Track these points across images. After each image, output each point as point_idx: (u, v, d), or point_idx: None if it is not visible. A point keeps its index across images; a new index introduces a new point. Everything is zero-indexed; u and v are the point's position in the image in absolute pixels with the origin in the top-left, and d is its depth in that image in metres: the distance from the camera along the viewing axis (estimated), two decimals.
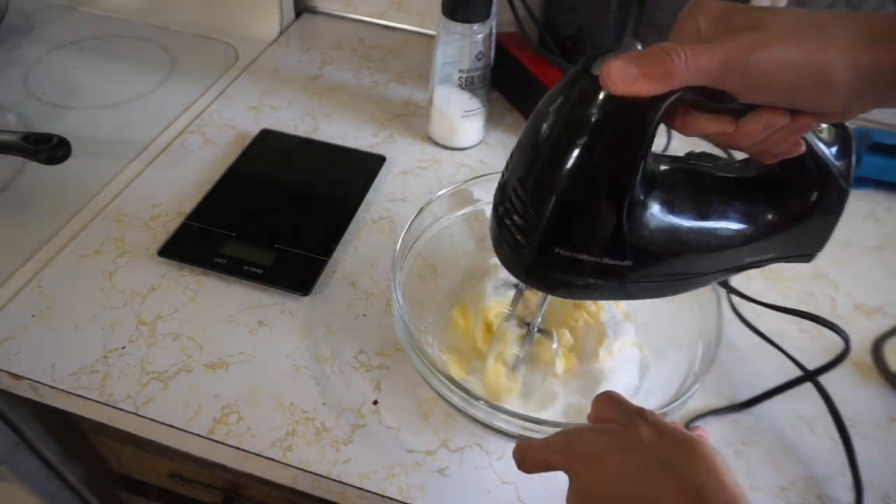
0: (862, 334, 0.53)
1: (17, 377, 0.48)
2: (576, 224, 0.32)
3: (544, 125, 0.32)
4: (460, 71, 0.64)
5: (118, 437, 0.60)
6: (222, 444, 0.45)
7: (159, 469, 0.65)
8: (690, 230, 0.34)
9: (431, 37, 0.69)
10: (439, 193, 0.51)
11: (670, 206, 0.33)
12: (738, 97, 0.29)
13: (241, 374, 0.48)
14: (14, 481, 0.63)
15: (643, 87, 0.28)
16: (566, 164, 0.31)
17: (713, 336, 0.44)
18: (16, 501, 0.66)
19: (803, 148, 0.32)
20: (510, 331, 0.45)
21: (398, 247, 0.47)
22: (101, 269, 0.55)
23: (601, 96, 0.29)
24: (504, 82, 0.75)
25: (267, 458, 0.44)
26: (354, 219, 0.60)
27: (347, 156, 0.67)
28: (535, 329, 0.44)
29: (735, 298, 0.54)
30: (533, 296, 0.46)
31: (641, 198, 0.32)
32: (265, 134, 0.69)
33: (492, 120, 0.72)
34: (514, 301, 0.47)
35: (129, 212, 0.60)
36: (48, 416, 0.61)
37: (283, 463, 0.44)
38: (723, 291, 0.51)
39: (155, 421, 0.46)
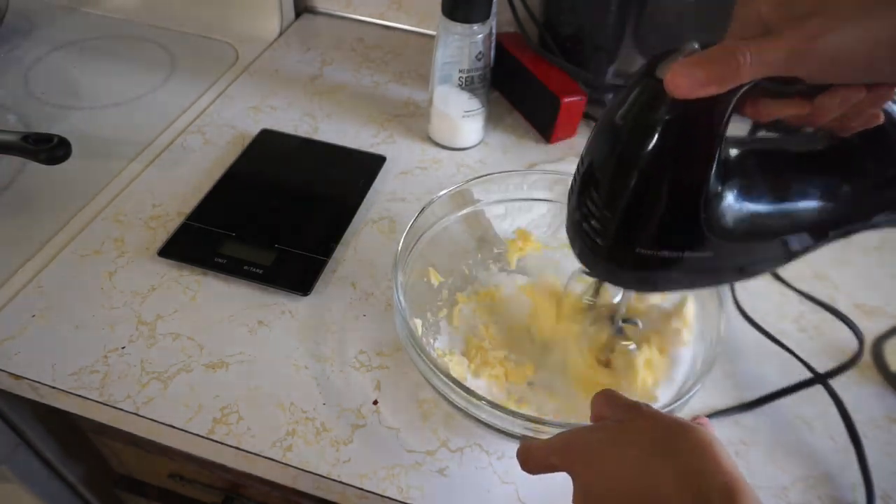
0: (861, 333, 0.53)
1: (17, 377, 0.48)
2: (654, 224, 0.33)
3: (615, 131, 0.32)
4: (460, 71, 0.64)
5: (118, 437, 0.60)
6: (222, 444, 0.45)
7: (159, 469, 0.65)
8: (770, 214, 0.34)
9: (431, 37, 0.69)
10: (441, 193, 0.51)
11: (747, 193, 0.33)
12: (811, 82, 0.28)
13: (241, 374, 0.48)
14: (14, 481, 0.63)
15: (710, 90, 0.28)
16: (641, 168, 0.31)
17: (714, 335, 0.44)
18: (16, 501, 0.66)
19: (882, 119, 0.31)
20: (598, 323, 0.46)
21: (399, 247, 0.47)
22: (102, 269, 0.55)
23: (668, 99, 0.29)
24: (504, 82, 0.75)
25: (267, 458, 0.44)
26: (354, 219, 0.60)
27: (347, 156, 0.67)
28: (620, 323, 0.45)
29: (738, 295, 0.54)
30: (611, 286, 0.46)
31: (718, 189, 0.32)
32: (265, 134, 0.69)
33: (492, 120, 0.72)
34: (594, 291, 0.47)
35: (129, 212, 0.60)
36: (48, 416, 0.61)
37: (283, 463, 0.44)
38: (726, 288, 0.51)
39: (155, 421, 0.46)
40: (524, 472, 0.35)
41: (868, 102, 0.30)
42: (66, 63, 0.78)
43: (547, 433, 0.38)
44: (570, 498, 0.32)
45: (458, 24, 0.61)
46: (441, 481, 0.44)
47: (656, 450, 0.30)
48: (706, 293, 0.46)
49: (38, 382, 0.47)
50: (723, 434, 0.47)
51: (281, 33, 0.85)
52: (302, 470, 0.44)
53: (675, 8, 0.69)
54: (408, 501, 0.42)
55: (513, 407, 0.41)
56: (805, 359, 0.50)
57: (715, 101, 0.29)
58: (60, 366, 0.48)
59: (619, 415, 0.33)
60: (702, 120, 0.30)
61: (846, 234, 0.37)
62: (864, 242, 0.62)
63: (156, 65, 0.79)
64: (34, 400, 0.50)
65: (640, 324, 0.47)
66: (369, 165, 0.66)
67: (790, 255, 0.37)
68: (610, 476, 0.30)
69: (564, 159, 0.69)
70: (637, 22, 0.72)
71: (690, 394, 0.40)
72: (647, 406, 0.33)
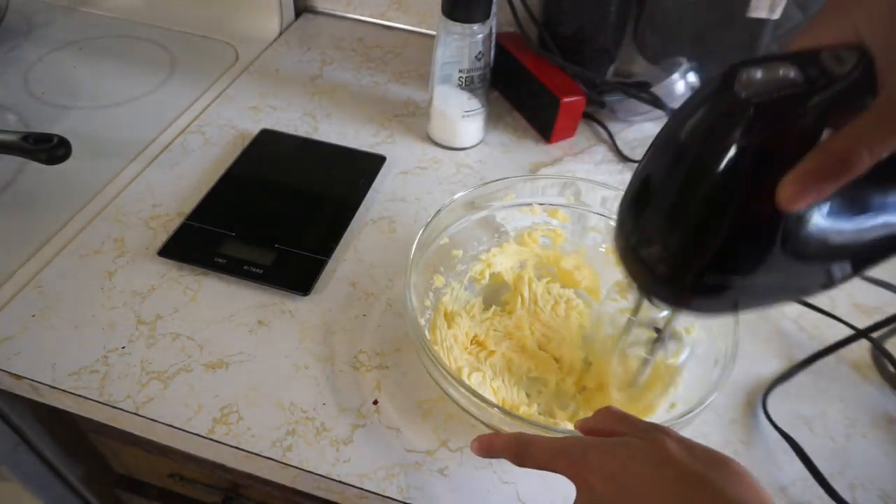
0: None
1: (17, 377, 0.48)
2: (725, 251, 0.30)
3: (685, 150, 0.29)
4: (460, 71, 0.64)
5: (118, 436, 0.60)
6: (222, 443, 0.45)
7: (159, 469, 0.65)
8: (849, 232, 0.30)
9: (431, 37, 0.69)
10: (456, 197, 0.51)
11: (825, 212, 0.29)
12: None
13: (241, 374, 0.48)
14: (14, 481, 0.63)
15: (828, 193, 0.26)
16: (715, 195, 0.28)
17: (729, 346, 0.43)
18: (16, 501, 0.66)
19: None
20: (639, 334, 0.44)
21: (413, 249, 0.47)
22: (101, 268, 0.55)
23: (749, 118, 0.26)
24: (504, 82, 0.75)
25: (267, 457, 0.44)
26: (354, 219, 0.60)
27: (347, 156, 0.67)
28: (667, 337, 0.42)
29: None
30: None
31: (799, 214, 0.29)
32: (265, 134, 0.69)
33: (492, 120, 0.72)
34: (637, 305, 0.44)
35: (129, 212, 0.60)
36: (48, 416, 0.61)
37: (283, 463, 0.44)
38: None
39: (155, 421, 0.46)
40: (519, 468, 0.34)
41: None
42: (66, 63, 0.78)
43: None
44: (571, 498, 0.32)
45: (458, 24, 0.61)
46: (441, 481, 0.44)
47: (696, 476, 0.28)
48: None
49: (38, 382, 0.47)
50: (722, 433, 0.47)
51: (281, 33, 0.85)
52: (302, 470, 0.44)
53: (675, 8, 0.69)
54: (408, 501, 0.42)
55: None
56: (805, 358, 0.50)
57: (802, 123, 0.26)
58: (60, 366, 0.48)
59: (641, 433, 0.32)
60: (788, 142, 0.26)
61: None
62: None
63: (156, 65, 0.79)
64: (34, 400, 0.50)
65: (685, 339, 0.45)
66: (369, 165, 0.66)
67: (851, 276, 0.33)
68: (637, 493, 0.29)
69: (563, 159, 0.69)
70: (637, 22, 0.72)
71: (705, 404, 0.39)
72: (670, 428, 0.32)
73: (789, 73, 0.26)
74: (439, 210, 0.50)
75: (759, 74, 0.27)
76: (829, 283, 0.33)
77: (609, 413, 0.35)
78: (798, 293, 0.34)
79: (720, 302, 0.33)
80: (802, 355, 0.51)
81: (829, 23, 0.28)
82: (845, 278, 0.33)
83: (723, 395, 0.49)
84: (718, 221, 0.29)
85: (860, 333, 0.50)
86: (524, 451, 0.34)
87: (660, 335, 0.43)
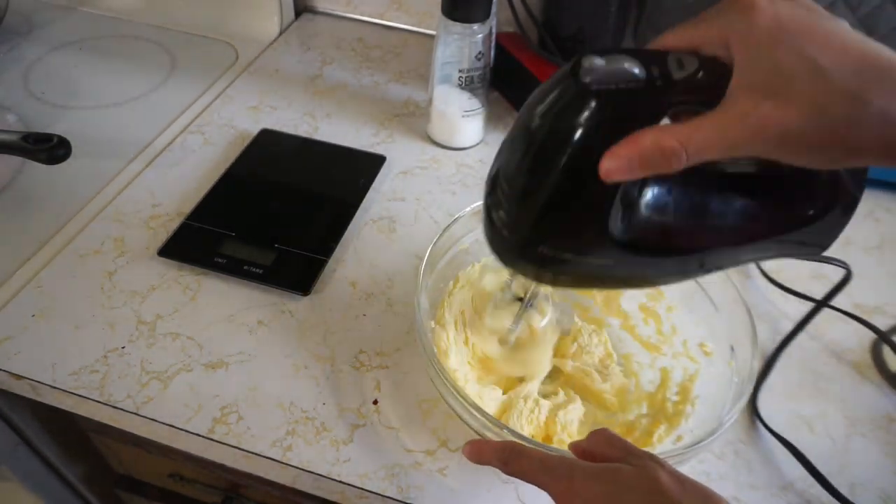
0: (861, 334, 0.53)
1: (17, 377, 0.48)
2: (559, 227, 0.32)
3: (531, 127, 0.31)
4: (460, 71, 0.64)
5: (118, 436, 0.60)
6: (222, 443, 0.45)
7: (159, 469, 0.65)
8: (682, 230, 0.33)
9: (431, 37, 0.69)
10: (475, 206, 0.50)
11: (662, 207, 0.33)
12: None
13: (241, 374, 0.48)
14: (14, 481, 0.63)
15: (640, 176, 0.28)
16: (551, 169, 0.30)
17: (747, 370, 0.43)
18: (16, 501, 0.66)
19: None
20: (503, 303, 0.47)
21: (426, 256, 0.46)
22: (101, 268, 0.55)
23: (590, 106, 0.28)
24: (504, 82, 0.75)
25: (267, 457, 0.44)
26: (354, 219, 0.60)
27: (347, 156, 0.67)
28: (528, 305, 0.45)
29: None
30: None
31: (631, 200, 0.32)
32: (265, 134, 0.69)
33: (492, 120, 0.72)
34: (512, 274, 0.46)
35: (129, 212, 0.60)
36: (48, 416, 0.61)
37: (283, 463, 0.44)
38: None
39: (155, 421, 0.46)
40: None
41: None
42: (66, 63, 0.78)
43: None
44: None
45: (457, 23, 0.61)
46: (441, 481, 0.44)
47: None
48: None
49: (38, 382, 0.47)
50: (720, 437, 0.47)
51: (281, 33, 0.85)
52: (302, 470, 0.44)
53: (675, 8, 0.69)
54: (408, 501, 0.43)
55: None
56: (806, 358, 0.50)
57: (635, 120, 0.28)
58: (60, 365, 0.48)
59: (634, 460, 0.32)
60: (625, 129, 0.28)
61: (762, 259, 0.37)
62: (865, 242, 0.62)
63: (156, 65, 0.79)
64: (34, 399, 0.50)
65: (548, 312, 0.47)
66: (369, 165, 0.66)
67: (689, 275, 0.37)
68: None
69: None
70: (637, 22, 0.72)
71: (728, 423, 0.39)
72: (663, 459, 0.32)
73: (633, 67, 0.28)
74: (456, 217, 0.49)
75: (603, 65, 0.28)
76: (663, 278, 0.36)
77: (604, 436, 0.35)
78: (638, 282, 0.37)
79: (565, 277, 0.35)
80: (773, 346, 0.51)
81: (699, 25, 0.29)
82: (679, 278, 0.37)
83: (718, 397, 0.49)
84: (554, 197, 0.31)
85: (820, 304, 0.51)
86: (513, 459, 0.34)
87: (523, 301, 0.45)
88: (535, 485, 0.33)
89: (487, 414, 0.39)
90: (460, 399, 0.39)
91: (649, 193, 0.33)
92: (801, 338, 0.53)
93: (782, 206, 0.34)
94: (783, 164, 0.28)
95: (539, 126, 0.30)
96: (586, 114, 0.28)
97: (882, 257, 0.61)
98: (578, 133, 0.29)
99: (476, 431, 0.41)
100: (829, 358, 0.51)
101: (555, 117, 0.30)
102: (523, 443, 0.36)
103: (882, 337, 0.52)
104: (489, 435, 0.40)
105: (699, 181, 0.34)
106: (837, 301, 0.56)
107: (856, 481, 0.45)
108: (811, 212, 0.33)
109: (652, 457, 0.32)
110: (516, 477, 0.34)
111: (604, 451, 0.34)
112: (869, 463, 0.46)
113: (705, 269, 0.35)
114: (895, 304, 0.56)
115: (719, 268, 0.36)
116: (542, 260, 0.33)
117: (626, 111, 0.28)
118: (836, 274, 0.56)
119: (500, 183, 0.33)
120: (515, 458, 0.34)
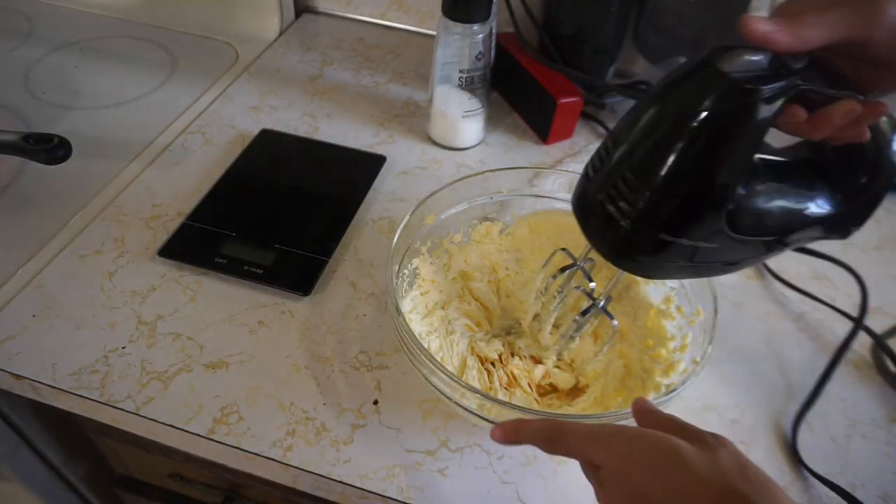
0: (861, 335, 0.53)
1: (18, 377, 0.48)
2: (685, 213, 0.34)
3: (663, 116, 0.33)
4: (460, 71, 0.64)
5: (119, 436, 0.60)
6: (222, 444, 0.45)
7: (160, 469, 0.65)
8: (773, 215, 0.36)
9: (431, 37, 0.69)
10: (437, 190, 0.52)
11: (759, 196, 0.35)
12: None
13: (241, 374, 0.48)
14: (14, 481, 0.63)
15: (781, 39, 0.30)
16: (686, 156, 0.32)
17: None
18: (16, 501, 0.66)
19: (868, 135, 0.34)
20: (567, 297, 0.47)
21: (393, 245, 0.47)
22: (102, 269, 0.55)
23: (723, 91, 0.30)
24: (503, 82, 0.75)
25: (267, 458, 0.44)
26: (354, 219, 0.60)
27: (347, 156, 0.67)
28: (601, 306, 0.45)
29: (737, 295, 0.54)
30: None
31: (742, 185, 0.34)
32: (265, 134, 0.69)
33: (492, 120, 0.72)
34: (569, 277, 0.47)
35: (129, 212, 0.60)
36: (49, 416, 0.61)
37: (283, 463, 0.44)
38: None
39: (155, 421, 0.46)
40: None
41: (863, 117, 0.32)
42: (66, 63, 0.78)
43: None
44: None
45: (458, 24, 0.61)
46: (441, 481, 0.44)
47: (738, 494, 0.28)
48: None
49: (39, 382, 0.47)
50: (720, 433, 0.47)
51: (281, 33, 0.85)
52: (302, 470, 0.44)
53: (675, 8, 0.69)
54: (408, 501, 0.43)
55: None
56: (806, 358, 0.50)
57: (762, 102, 0.30)
58: (60, 366, 0.48)
59: (697, 436, 0.31)
60: (749, 120, 0.31)
61: (805, 241, 0.39)
62: (864, 243, 0.62)
63: (156, 65, 0.79)
64: (34, 400, 0.50)
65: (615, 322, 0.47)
66: (369, 165, 0.66)
67: (766, 256, 0.39)
68: (677, 496, 0.29)
69: (564, 161, 0.69)
70: (637, 22, 0.72)
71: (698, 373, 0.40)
72: (731, 442, 0.31)
73: (760, 59, 0.31)
74: (419, 205, 0.51)
75: (736, 56, 0.31)
76: (746, 262, 0.38)
77: (664, 416, 0.34)
78: (722, 268, 0.38)
79: (667, 263, 0.36)
80: (812, 379, 0.50)
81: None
82: (755, 261, 0.39)
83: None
84: (686, 181, 0.33)
85: (858, 324, 0.51)
86: (557, 437, 0.33)
87: (595, 302, 0.45)
88: (584, 459, 0.32)
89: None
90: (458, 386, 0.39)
91: (752, 180, 0.35)
92: (802, 338, 0.53)
93: (835, 185, 0.37)
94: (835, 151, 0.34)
95: (675, 114, 0.32)
96: (724, 97, 0.31)
97: (882, 257, 0.61)
98: (715, 115, 0.31)
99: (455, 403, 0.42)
100: (829, 358, 0.51)
101: (692, 104, 0.31)
102: (561, 419, 0.36)
103: (878, 342, 0.52)
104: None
105: (778, 172, 0.37)
106: (837, 301, 0.56)
107: (856, 481, 0.45)
108: (857, 186, 0.37)
109: (716, 436, 0.31)
110: (560, 454, 0.33)
111: (668, 427, 0.33)
112: (869, 463, 0.46)
113: (781, 246, 0.38)
114: (895, 304, 0.56)
115: (795, 243, 0.38)
116: (659, 247, 0.35)
117: (764, 96, 0.30)
118: (837, 274, 0.56)
119: (624, 175, 0.34)
120: (558, 436, 0.33)
